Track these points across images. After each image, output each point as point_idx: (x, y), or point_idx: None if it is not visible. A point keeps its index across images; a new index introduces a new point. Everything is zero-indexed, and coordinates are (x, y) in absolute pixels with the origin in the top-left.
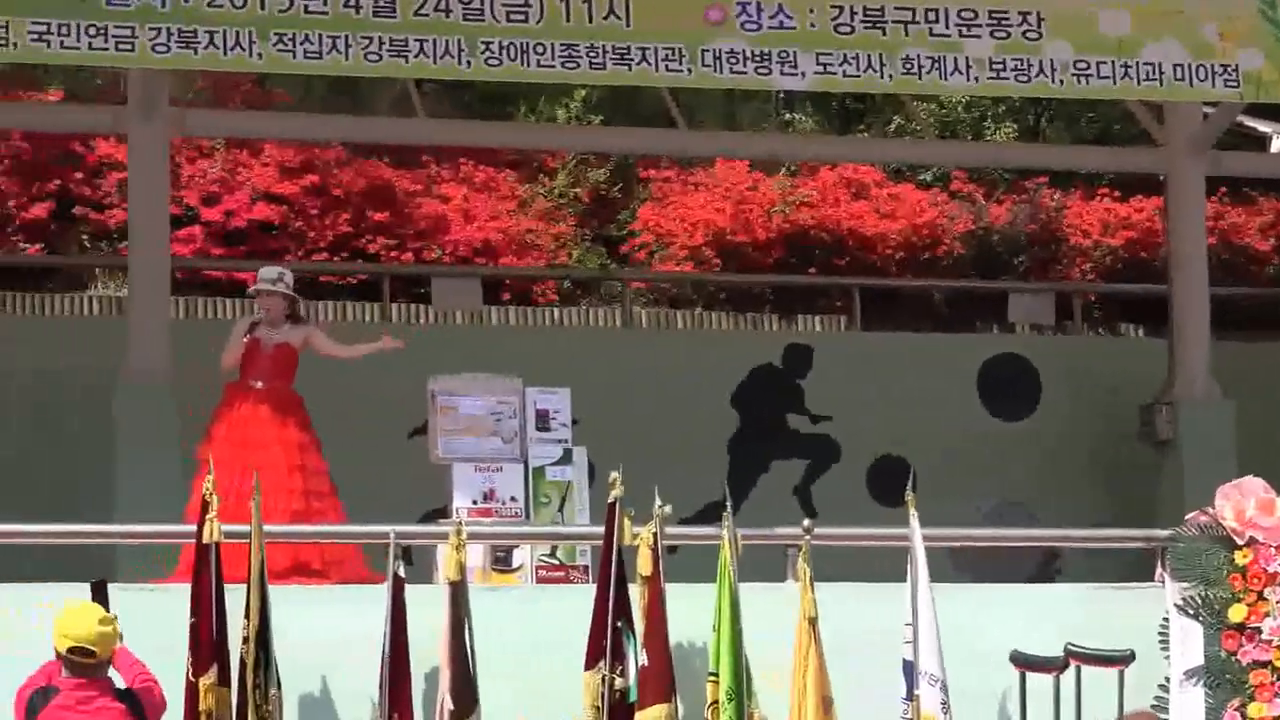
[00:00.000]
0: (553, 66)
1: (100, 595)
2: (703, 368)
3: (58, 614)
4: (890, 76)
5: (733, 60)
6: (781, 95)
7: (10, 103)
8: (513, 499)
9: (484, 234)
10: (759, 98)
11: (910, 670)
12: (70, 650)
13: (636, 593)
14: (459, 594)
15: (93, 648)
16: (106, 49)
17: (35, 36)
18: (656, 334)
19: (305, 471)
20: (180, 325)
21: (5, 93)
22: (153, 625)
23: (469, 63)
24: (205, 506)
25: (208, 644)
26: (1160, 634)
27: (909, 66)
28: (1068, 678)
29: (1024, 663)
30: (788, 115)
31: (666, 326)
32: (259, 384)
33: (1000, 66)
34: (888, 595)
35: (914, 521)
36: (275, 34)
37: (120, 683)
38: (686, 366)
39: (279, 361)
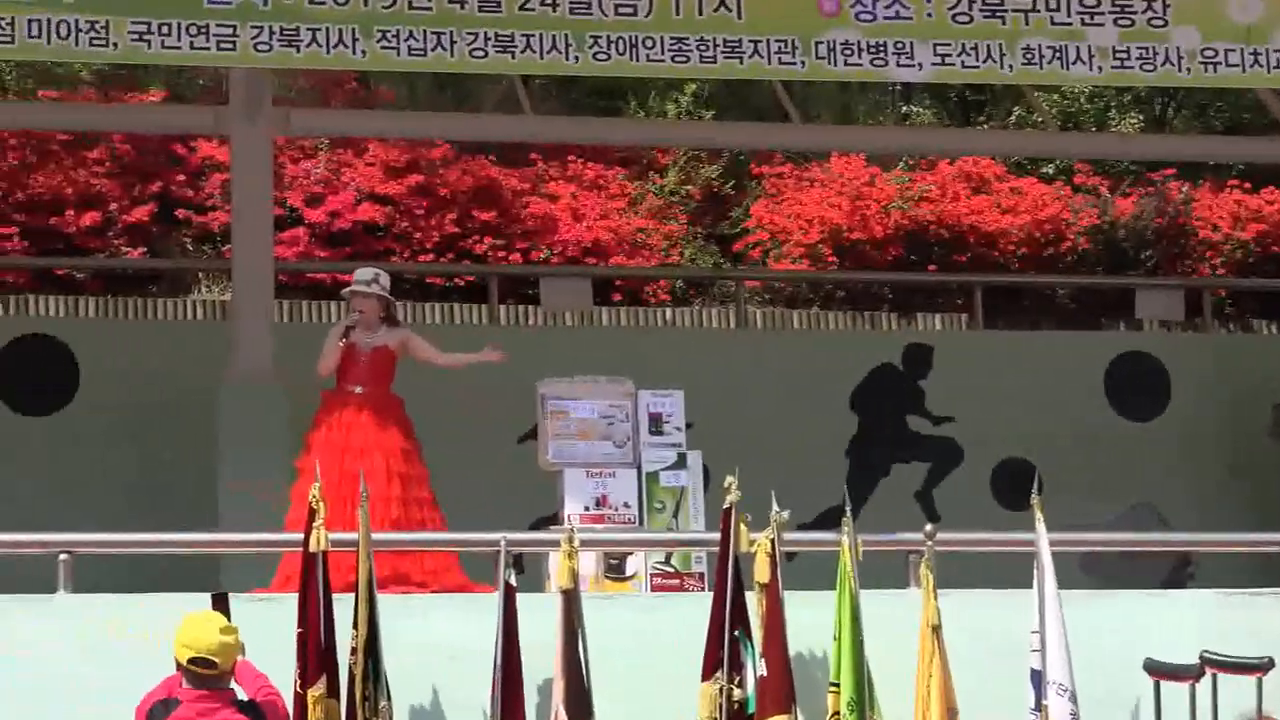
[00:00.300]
0: (662, 60)
1: (222, 605)
2: (820, 369)
3: (178, 625)
4: (1010, 67)
5: (847, 52)
6: (898, 87)
7: (111, 104)
8: (626, 505)
9: (593, 233)
10: (875, 90)
11: (1038, 680)
12: (191, 661)
13: (754, 601)
14: (572, 603)
15: (214, 659)
16: (208, 48)
17: (135, 37)
18: (772, 334)
19: (406, 479)
20: (284, 329)
21: (106, 94)
22: (260, 636)
23: (577, 58)
24: (312, 514)
25: (316, 655)
26: None
27: (1030, 56)
28: (1204, 686)
29: (1158, 671)
30: (905, 108)
31: (782, 327)
32: (357, 389)
33: (1124, 55)
34: (1014, 602)
35: (1040, 525)
36: (379, 31)
37: (243, 695)
38: (803, 368)
39: (377, 365)
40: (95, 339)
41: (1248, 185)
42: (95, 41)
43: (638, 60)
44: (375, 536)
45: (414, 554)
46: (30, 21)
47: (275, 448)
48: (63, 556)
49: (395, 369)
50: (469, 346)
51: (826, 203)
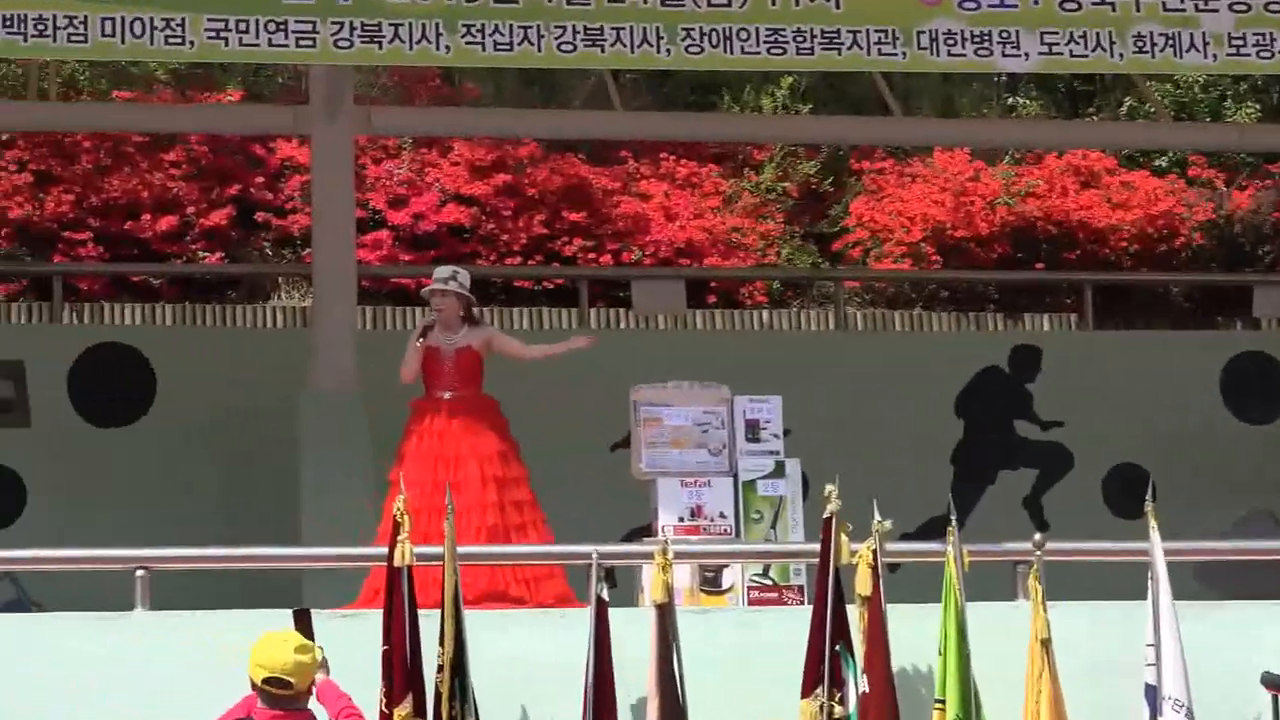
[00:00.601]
0: (758, 53)
1: (304, 622)
2: (923, 372)
3: (254, 643)
4: (1121, 56)
5: (950, 42)
6: (1004, 78)
7: (188, 105)
8: (722, 515)
9: (687, 233)
10: (979, 81)
11: (1153, 695)
12: (265, 681)
13: (856, 614)
14: (666, 617)
15: (289, 679)
16: (287, 45)
17: (212, 34)
18: (873, 337)
19: (501, 483)
20: (366, 336)
21: (183, 94)
22: (344, 653)
23: (669, 51)
24: (396, 527)
25: (402, 673)
26: None
27: (1141, 44)
28: None
29: (1277, 685)
30: (1011, 99)
31: (884, 328)
32: (447, 394)
33: (1240, 42)
34: (1127, 614)
35: (1154, 534)
36: (463, 25)
37: (323, 715)
38: (906, 371)
39: (463, 367)
40: (172, 347)
41: None
42: (171, 40)
43: (732, 53)
44: (461, 550)
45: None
46: (104, 20)
47: (358, 458)
48: (140, 573)
49: (484, 369)
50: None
51: (929, 199)
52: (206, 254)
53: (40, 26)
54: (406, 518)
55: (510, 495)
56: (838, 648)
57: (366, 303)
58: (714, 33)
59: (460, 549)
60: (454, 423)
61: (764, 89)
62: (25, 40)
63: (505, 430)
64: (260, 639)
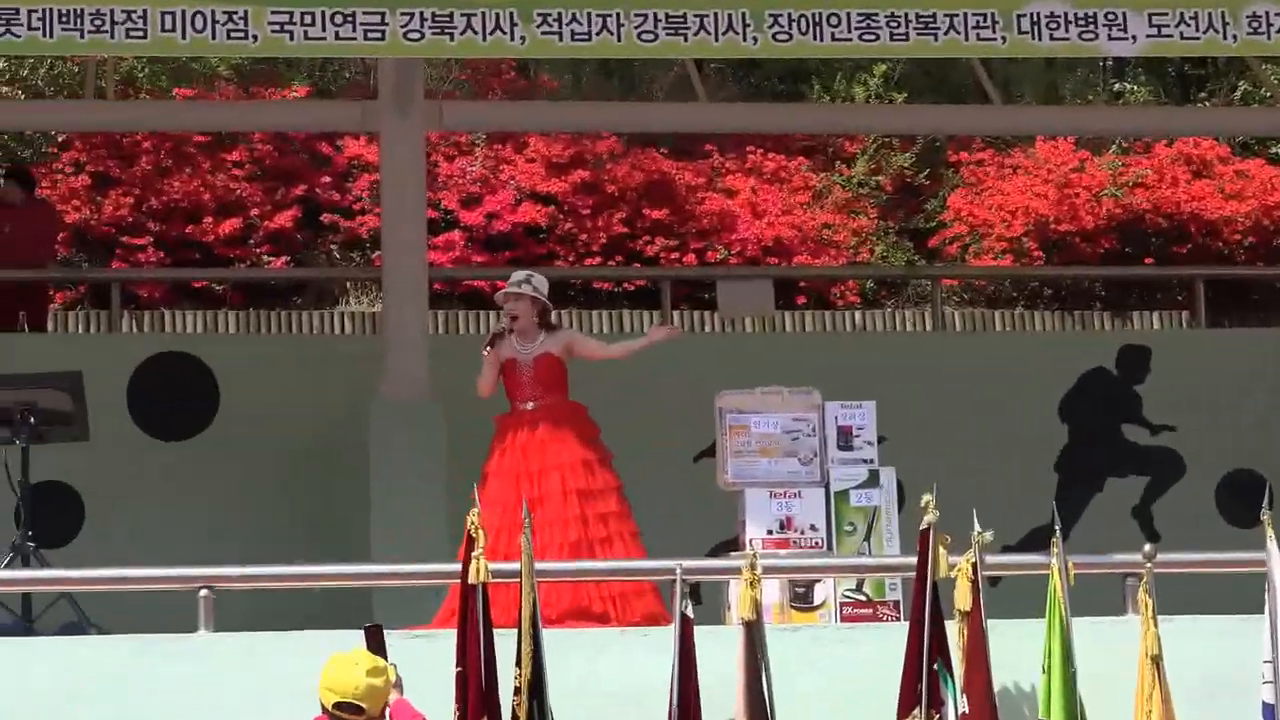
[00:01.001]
0: (849, 39)
1: (376, 641)
2: (1025, 375)
3: (324, 665)
4: (1234, 37)
5: (1053, 25)
6: (1110, 63)
7: (252, 102)
8: (813, 527)
9: (775, 230)
10: (1084, 66)
11: (1270, 714)
12: (336, 706)
13: (955, 630)
14: (754, 635)
15: (360, 703)
16: (354, 38)
17: (276, 27)
18: (972, 338)
19: (585, 494)
20: (440, 341)
21: (246, 91)
22: (417, 674)
23: (755, 39)
24: (470, 543)
25: (477, 695)
26: None
27: (1256, 25)
28: None
29: None
30: (1117, 85)
31: (983, 329)
32: (529, 405)
33: None
34: (1243, 629)
35: (1271, 544)
36: (539, 15)
37: None
38: (1007, 374)
39: (544, 375)
40: (236, 356)
41: None
42: (234, 34)
43: (822, 40)
44: (539, 566)
45: (593, 581)
46: (164, 14)
47: (432, 469)
48: (203, 592)
49: (567, 376)
50: (639, 357)
51: (1031, 191)
52: (271, 258)
53: (98, 22)
54: (481, 532)
55: (595, 508)
56: (936, 666)
57: (438, 307)
58: (803, 18)
59: (538, 565)
60: (537, 434)
61: (856, 77)
62: (82, 36)
63: (594, 438)
64: (330, 661)
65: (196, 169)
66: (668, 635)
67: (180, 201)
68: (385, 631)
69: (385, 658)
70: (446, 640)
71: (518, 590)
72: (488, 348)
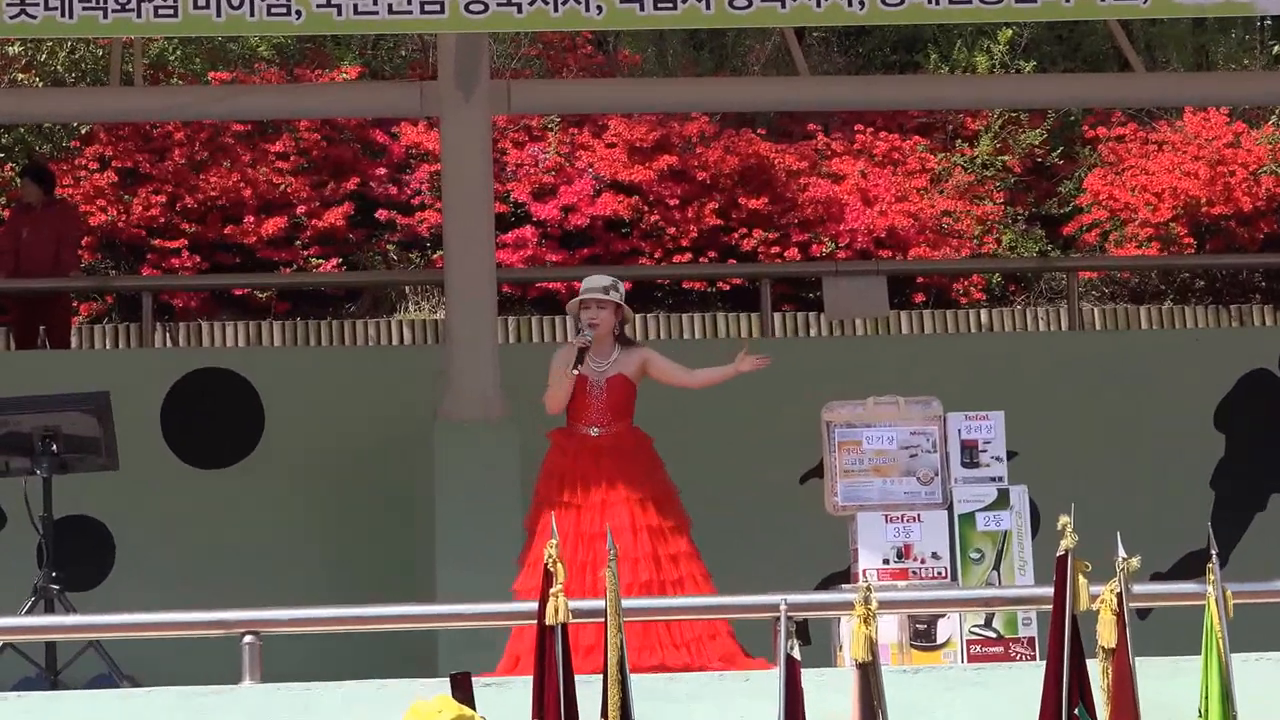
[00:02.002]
0: (969, 2)
1: (464, 691)
2: (1176, 379)
3: (404, 716)
4: None
5: None
6: (1267, 21)
7: (296, 85)
8: (935, 555)
9: (888, 220)
10: (1239, 27)
11: None
12: None
13: (1098, 670)
14: (870, 678)
15: None
16: (411, 12)
17: (323, 2)
18: (1114, 338)
19: (655, 532)
20: (511, 352)
21: (290, 74)
22: None
23: (862, 3)
24: (549, 578)
25: None
26: None
27: None
28: None
29: None
30: (1276, 47)
31: (1126, 327)
32: (594, 430)
33: None
34: None
35: None
36: None
37: None
38: (1154, 378)
39: (616, 399)
40: (283, 372)
41: None
42: (275, 10)
43: (938, 3)
44: (627, 604)
45: (665, 623)
46: None
47: (504, 496)
48: (248, 639)
49: (635, 399)
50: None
51: (1179, 170)
52: (321, 261)
53: (122, 0)
54: (560, 566)
55: (666, 548)
56: (1077, 711)
57: (508, 312)
58: None
59: (625, 602)
60: (602, 464)
61: (978, 44)
62: (105, 16)
63: (661, 472)
64: (410, 711)
65: (235, 162)
66: (772, 680)
67: (218, 199)
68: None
69: (474, 707)
70: (519, 688)
71: (589, 635)
72: (575, 368)
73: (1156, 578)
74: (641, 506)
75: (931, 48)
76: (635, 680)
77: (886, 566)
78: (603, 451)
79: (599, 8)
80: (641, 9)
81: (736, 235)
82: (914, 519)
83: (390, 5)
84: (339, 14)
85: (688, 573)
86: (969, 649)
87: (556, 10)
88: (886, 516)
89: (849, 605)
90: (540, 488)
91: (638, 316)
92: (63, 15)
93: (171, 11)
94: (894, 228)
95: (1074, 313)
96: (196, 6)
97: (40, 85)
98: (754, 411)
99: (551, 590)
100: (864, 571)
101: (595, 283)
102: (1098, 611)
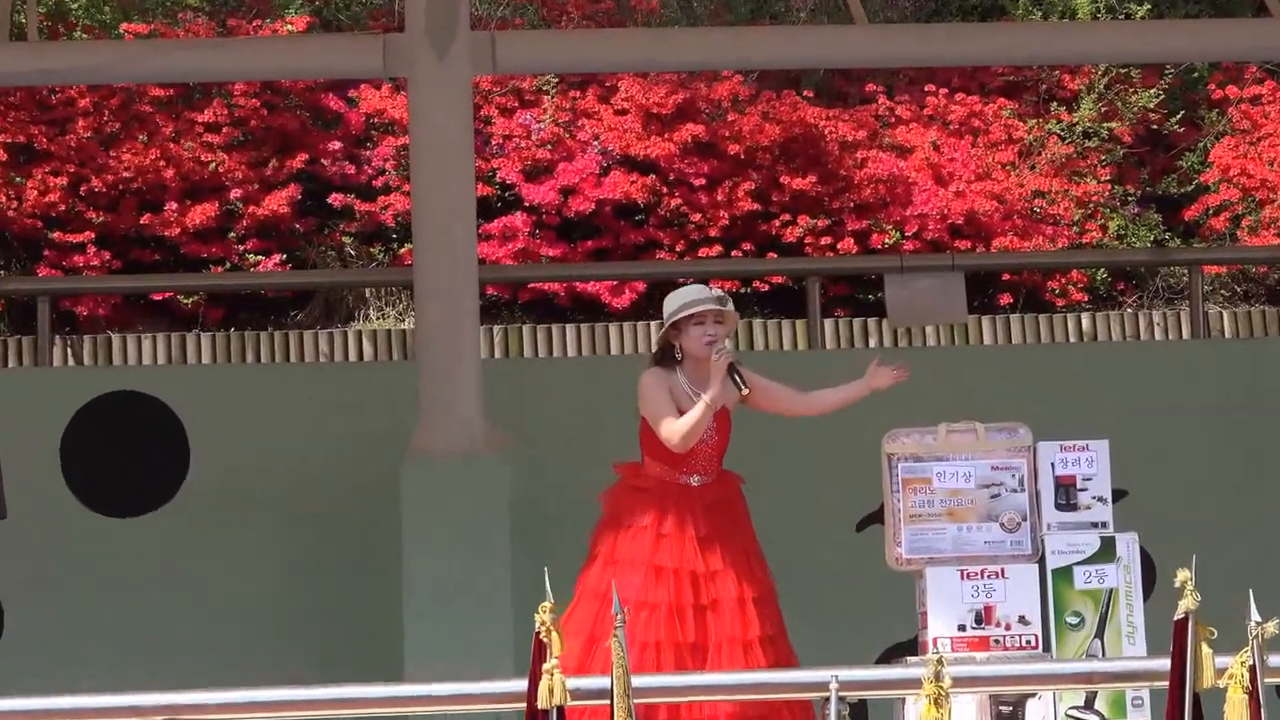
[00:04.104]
0: None
1: None
2: None
3: None
4: None
5: None
6: None
7: (229, 40)
8: (1023, 620)
9: (965, 202)
10: None
11: None
12: None
13: None
14: None
15: None
16: None
17: None
18: (1247, 347)
19: (761, 602)
20: (498, 369)
21: (222, 26)
22: None
23: None
24: (541, 650)
25: None
26: None
27: None
28: None
29: None
30: None
31: (1264, 334)
32: (696, 479)
33: None
34: None
35: None
36: None
37: None
38: None
39: (724, 438)
40: (213, 395)
41: None
42: None
43: None
44: (639, 683)
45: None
46: None
47: (491, 552)
48: None
49: None
50: (779, 377)
51: None
52: (260, 258)
53: None
54: (555, 635)
55: (772, 627)
56: None
57: (494, 320)
58: None
59: (636, 680)
60: (712, 522)
61: None
62: None
63: (750, 521)
64: None
65: (154, 136)
66: None
67: (132, 181)
68: None
69: None
70: None
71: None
72: (744, 390)
73: None
74: (748, 572)
75: None
76: None
77: (962, 634)
78: (709, 506)
79: None
80: None
81: (777, 223)
82: (996, 574)
83: None
84: None
85: (787, 649)
86: None
87: None
88: (963, 572)
89: (916, 682)
90: (597, 548)
91: (651, 323)
92: None
93: None
94: (973, 212)
95: (1198, 317)
96: None
97: None
98: (799, 442)
99: (545, 666)
100: (934, 640)
101: (703, 293)
102: (1225, 689)
